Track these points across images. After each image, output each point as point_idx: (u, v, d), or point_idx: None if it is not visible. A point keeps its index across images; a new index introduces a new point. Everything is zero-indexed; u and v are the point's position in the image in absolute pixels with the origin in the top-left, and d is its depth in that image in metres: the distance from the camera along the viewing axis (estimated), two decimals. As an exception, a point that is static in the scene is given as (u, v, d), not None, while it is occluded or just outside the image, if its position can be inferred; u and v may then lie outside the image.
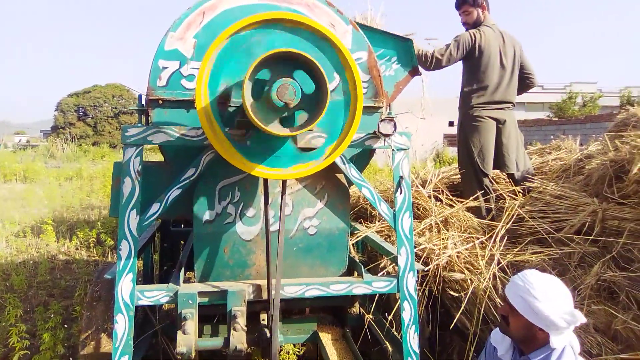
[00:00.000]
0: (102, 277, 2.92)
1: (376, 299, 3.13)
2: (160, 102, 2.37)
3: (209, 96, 2.02)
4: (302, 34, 2.03)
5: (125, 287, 2.29)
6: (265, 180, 2.32)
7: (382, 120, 2.33)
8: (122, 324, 2.31)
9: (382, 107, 2.62)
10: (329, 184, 2.63)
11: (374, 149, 2.61)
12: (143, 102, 2.55)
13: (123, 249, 2.27)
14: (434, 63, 3.90)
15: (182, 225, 4.17)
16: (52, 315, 3.64)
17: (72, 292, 4.75)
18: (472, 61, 3.98)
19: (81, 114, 42.34)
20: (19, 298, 4.35)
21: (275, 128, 1.97)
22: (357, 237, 3.39)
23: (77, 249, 6.42)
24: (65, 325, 3.74)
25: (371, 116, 2.59)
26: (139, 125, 2.32)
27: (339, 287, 2.55)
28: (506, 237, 3.25)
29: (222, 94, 2.07)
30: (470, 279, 2.99)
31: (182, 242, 4.18)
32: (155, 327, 2.87)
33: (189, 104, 2.39)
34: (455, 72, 5.00)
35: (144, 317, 3.00)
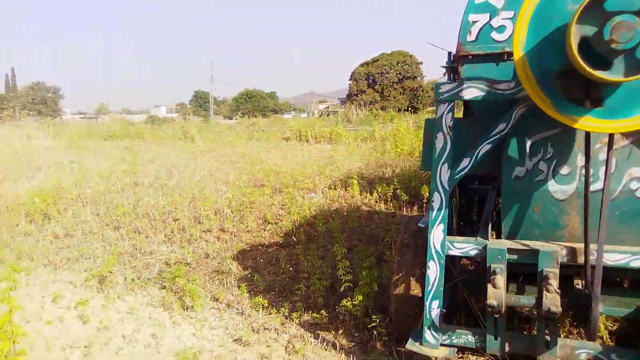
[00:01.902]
0: (409, 226, 3.18)
1: None
2: (470, 57, 2.38)
3: (527, 45, 1.93)
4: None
5: (437, 236, 2.45)
6: (587, 135, 2.11)
7: None
8: (434, 271, 2.48)
9: None
10: None
11: None
12: (451, 59, 2.62)
13: (435, 201, 2.42)
14: None
15: (477, 183, 4.17)
16: (368, 257, 4.18)
17: (376, 238, 5.35)
18: None
19: (370, 81, 46.06)
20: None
21: (606, 74, 1.76)
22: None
23: (376, 202, 7.16)
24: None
25: None
26: (450, 82, 2.40)
27: None
28: None
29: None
30: None
31: (476, 199, 4.20)
32: (457, 279, 2.99)
33: (498, 57, 2.35)
34: None
35: (445, 268, 3.16)
